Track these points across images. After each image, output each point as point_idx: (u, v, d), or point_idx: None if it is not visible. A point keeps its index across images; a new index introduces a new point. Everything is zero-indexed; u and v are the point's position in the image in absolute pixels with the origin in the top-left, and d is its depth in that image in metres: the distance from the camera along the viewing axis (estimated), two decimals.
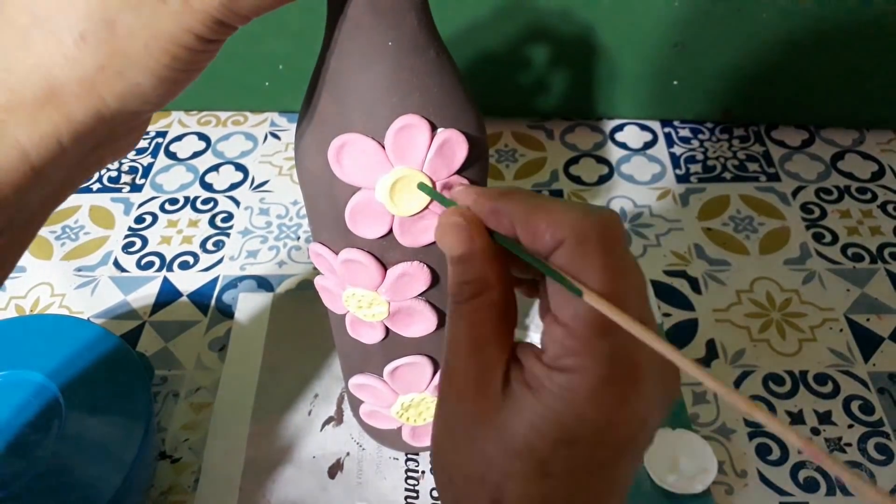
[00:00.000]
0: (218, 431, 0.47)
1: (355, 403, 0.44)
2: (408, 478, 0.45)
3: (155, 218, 0.63)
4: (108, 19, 0.21)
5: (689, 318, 0.53)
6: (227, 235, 0.61)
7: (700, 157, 0.67)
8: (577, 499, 0.22)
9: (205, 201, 0.65)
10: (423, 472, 0.45)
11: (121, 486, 0.39)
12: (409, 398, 0.40)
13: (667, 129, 0.70)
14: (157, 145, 0.71)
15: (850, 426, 0.47)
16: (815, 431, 0.46)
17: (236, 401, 0.49)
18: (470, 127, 0.30)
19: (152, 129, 0.73)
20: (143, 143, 0.71)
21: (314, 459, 0.46)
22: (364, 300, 0.34)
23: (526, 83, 0.68)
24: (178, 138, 0.72)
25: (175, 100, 0.24)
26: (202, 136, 0.72)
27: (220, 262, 0.59)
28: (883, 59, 0.62)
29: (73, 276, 0.59)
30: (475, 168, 0.31)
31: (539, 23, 0.63)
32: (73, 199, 0.65)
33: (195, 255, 0.60)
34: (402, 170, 0.29)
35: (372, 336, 0.37)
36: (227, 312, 0.55)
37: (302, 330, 0.53)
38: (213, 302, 0.56)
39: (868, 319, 0.53)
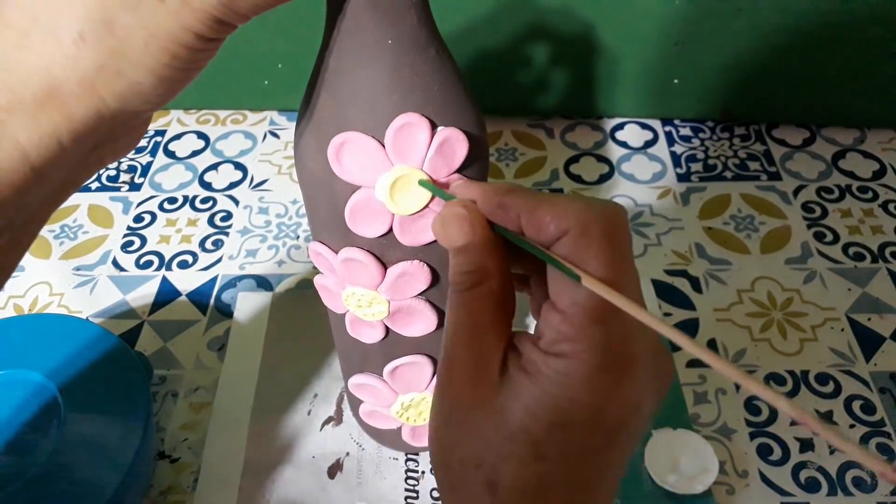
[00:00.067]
0: (217, 431, 0.47)
1: (355, 403, 0.43)
2: (408, 478, 0.45)
3: (154, 217, 0.63)
4: (107, 19, 0.21)
5: (690, 318, 0.53)
6: (227, 234, 0.61)
7: (701, 155, 0.66)
8: (571, 481, 0.23)
9: (204, 200, 0.65)
10: (422, 473, 0.45)
11: (119, 486, 0.39)
12: (409, 398, 0.40)
13: (667, 128, 0.69)
14: (156, 144, 0.71)
15: (852, 426, 0.46)
16: (833, 426, 0.46)
17: (235, 400, 0.49)
18: (470, 125, 0.29)
19: (151, 127, 0.73)
20: (141, 142, 0.71)
21: (314, 459, 0.46)
22: (364, 299, 0.34)
23: (526, 82, 0.67)
24: (177, 137, 0.72)
25: (174, 98, 0.24)
26: (201, 135, 0.72)
27: (219, 261, 0.59)
28: (884, 57, 0.62)
29: (72, 276, 0.58)
30: (475, 167, 0.31)
31: (539, 21, 0.63)
32: (71, 198, 0.64)
33: (194, 255, 0.60)
34: (403, 168, 0.29)
35: (372, 335, 0.36)
36: (226, 312, 0.55)
37: (301, 329, 0.53)
38: (212, 301, 0.56)
39: (869, 319, 0.53)
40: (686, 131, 0.69)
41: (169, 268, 0.59)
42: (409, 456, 0.46)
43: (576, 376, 0.21)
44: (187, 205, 0.64)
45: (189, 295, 0.56)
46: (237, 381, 0.50)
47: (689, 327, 0.52)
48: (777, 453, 0.45)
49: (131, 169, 0.68)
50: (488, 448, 0.23)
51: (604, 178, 0.65)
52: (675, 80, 0.66)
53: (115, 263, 0.59)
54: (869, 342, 0.51)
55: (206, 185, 0.66)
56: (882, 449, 0.45)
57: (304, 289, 0.56)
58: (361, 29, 0.27)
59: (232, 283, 0.57)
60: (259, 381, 0.50)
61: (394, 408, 0.40)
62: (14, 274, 0.60)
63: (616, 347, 0.22)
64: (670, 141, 0.68)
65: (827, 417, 0.47)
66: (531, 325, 0.51)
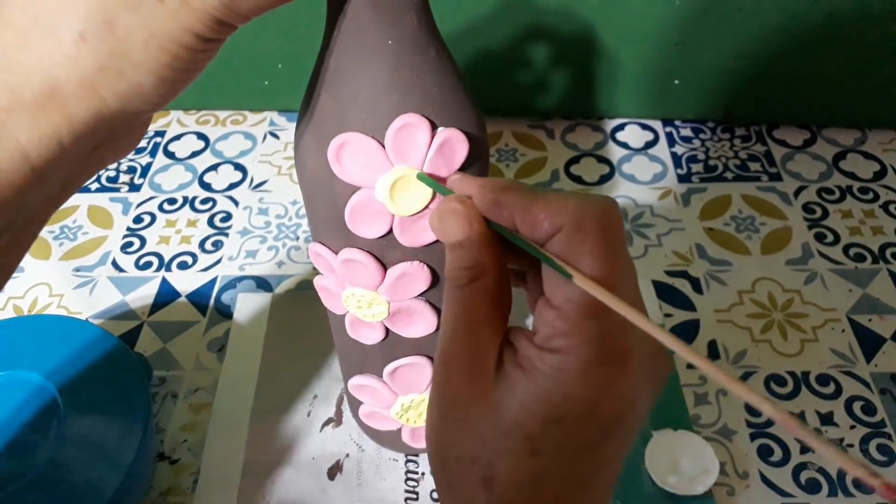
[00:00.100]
0: (217, 432, 0.47)
1: (355, 404, 0.43)
2: (407, 479, 0.44)
3: (153, 218, 0.63)
4: (108, 19, 0.21)
5: (691, 319, 0.53)
6: (226, 235, 0.61)
7: (701, 156, 0.66)
8: (566, 476, 0.23)
9: (203, 201, 0.65)
10: (422, 474, 0.45)
11: (119, 487, 0.39)
12: (409, 399, 0.39)
13: (668, 129, 0.69)
14: (156, 145, 0.71)
15: (853, 427, 0.46)
16: (817, 432, 0.46)
17: (235, 402, 0.49)
18: (470, 126, 0.29)
19: (151, 128, 0.73)
20: (141, 143, 0.71)
21: (313, 461, 0.46)
22: (364, 300, 0.34)
23: (526, 82, 0.67)
24: (177, 138, 0.72)
25: (175, 99, 0.24)
26: (201, 136, 0.72)
27: (218, 262, 0.59)
28: (885, 58, 0.62)
29: (72, 277, 0.58)
30: (476, 167, 0.31)
31: (540, 22, 0.63)
32: (71, 199, 0.64)
33: (194, 256, 0.60)
34: (403, 169, 0.29)
35: (371, 336, 0.36)
36: (225, 313, 0.55)
37: (301, 330, 0.53)
38: (211, 302, 0.56)
39: (870, 320, 0.52)
40: (687, 132, 0.69)
41: (168, 269, 0.59)
42: (409, 457, 0.46)
43: (570, 371, 0.22)
44: (187, 206, 0.64)
45: (189, 296, 0.56)
46: (237, 382, 0.50)
47: (690, 328, 0.52)
48: (778, 454, 0.45)
49: (131, 170, 0.68)
50: (484, 444, 0.23)
51: (604, 179, 0.65)
52: (676, 81, 0.66)
53: (115, 264, 0.59)
54: (870, 343, 0.51)
55: (206, 186, 0.66)
56: (882, 450, 0.45)
57: (304, 290, 0.56)
58: (362, 29, 0.27)
59: (232, 284, 0.57)
60: (259, 382, 0.50)
61: (394, 409, 0.40)
62: (14, 275, 0.59)
63: (610, 342, 0.22)
64: (671, 142, 0.68)
65: (827, 418, 0.47)
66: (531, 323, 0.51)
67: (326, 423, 0.48)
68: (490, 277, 0.24)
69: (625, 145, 0.68)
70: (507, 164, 0.67)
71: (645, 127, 0.70)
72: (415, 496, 0.44)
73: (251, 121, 0.73)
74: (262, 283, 0.57)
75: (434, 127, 0.28)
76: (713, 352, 0.51)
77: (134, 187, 0.66)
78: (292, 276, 0.57)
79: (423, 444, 0.43)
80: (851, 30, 0.60)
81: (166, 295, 0.56)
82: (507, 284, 0.25)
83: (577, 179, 0.65)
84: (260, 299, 0.55)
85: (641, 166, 0.66)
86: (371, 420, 0.42)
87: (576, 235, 0.22)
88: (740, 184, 0.63)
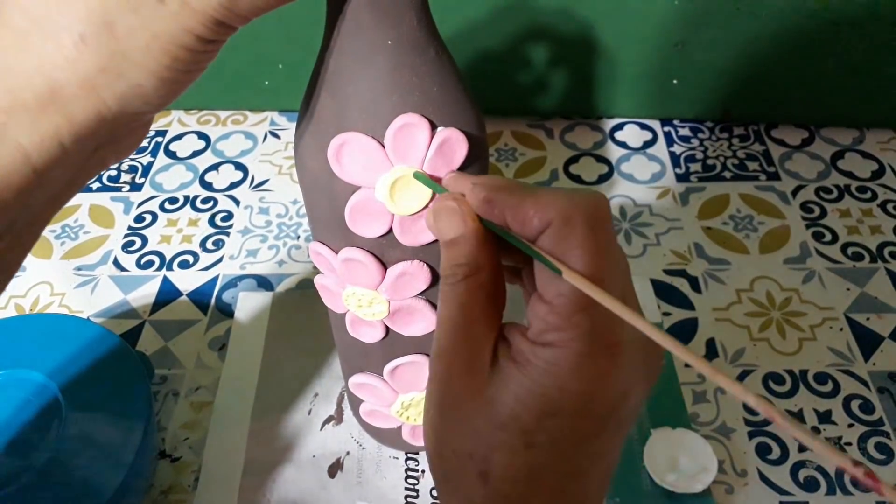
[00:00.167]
0: (218, 430, 0.47)
1: (355, 402, 0.44)
2: (408, 477, 0.45)
3: (155, 217, 0.63)
4: (108, 21, 0.21)
5: (689, 318, 0.53)
6: (227, 234, 0.61)
7: (700, 156, 0.67)
8: (562, 469, 0.23)
9: (204, 200, 0.65)
10: (423, 472, 0.45)
11: (120, 486, 0.39)
12: (410, 397, 0.40)
13: (666, 128, 0.70)
14: (157, 144, 0.71)
15: (851, 425, 0.47)
16: (816, 430, 0.46)
17: (236, 400, 0.49)
18: (470, 126, 0.30)
19: (152, 127, 0.73)
20: (142, 143, 0.71)
21: (314, 458, 0.46)
22: (364, 299, 0.34)
23: (526, 82, 0.68)
24: (178, 137, 0.72)
25: (176, 100, 0.24)
26: (202, 135, 0.72)
27: (219, 261, 0.59)
28: (883, 57, 0.62)
29: (73, 276, 0.59)
30: (475, 167, 0.31)
31: (539, 22, 0.63)
32: (72, 199, 0.65)
33: (195, 255, 0.60)
34: (402, 169, 0.29)
35: (372, 335, 0.37)
36: (226, 311, 0.55)
37: (302, 329, 0.53)
38: (212, 301, 0.56)
39: (868, 319, 0.53)
40: (685, 131, 0.69)
41: (170, 268, 0.59)
42: (410, 455, 0.46)
43: (564, 365, 0.22)
44: (188, 205, 0.64)
45: (190, 295, 0.57)
46: (238, 380, 0.50)
47: (689, 327, 0.52)
48: (776, 452, 0.45)
49: (132, 169, 0.69)
50: (480, 438, 0.23)
51: (603, 179, 0.65)
52: (675, 81, 0.66)
53: (116, 263, 0.59)
54: (868, 342, 0.51)
55: (207, 186, 0.66)
56: (881, 448, 0.45)
57: (305, 289, 0.56)
58: (361, 30, 0.27)
59: (233, 282, 0.57)
60: (259, 380, 0.50)
61: (394, 407, 0.40)
62: (15, 274, 0.60)
63: (602, 335, 0.22)
64: (669, 141, 0.68)
65: (825, 417, 0.47)
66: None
67: (327, 422, 0.48)
68: (485, 274, 0.24)
69: (623, 145, 0.68)
70: (507, 164, 0.67)
71: (643, 126, 0.70)
72: (415, 494, 0.44)
73: (252, 120, 0.73)
74: (263, 282, 0.57)
75: (434, 127, 0.28)
76: (711, 351, 0.51)
77: (135, 187, 0.67)
78: (293, 275, 0.58)
79: (423, 442, 0.43)
80: (849, 30, 0.60)
81: (167, 294, 0.57)
82: (501, 281, 0.25)
83: (577, 179, 0.65)
84: (261, 298, 0.56)
85: (640, 166, 0.66)
86: (371, 418, 0.43)
87: (564, 231, 0.22)
88: (738, 183, 0.64)
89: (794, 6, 0.59)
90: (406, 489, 0.44)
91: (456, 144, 0.29)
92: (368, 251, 0.32)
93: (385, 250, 0.32)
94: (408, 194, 0.29)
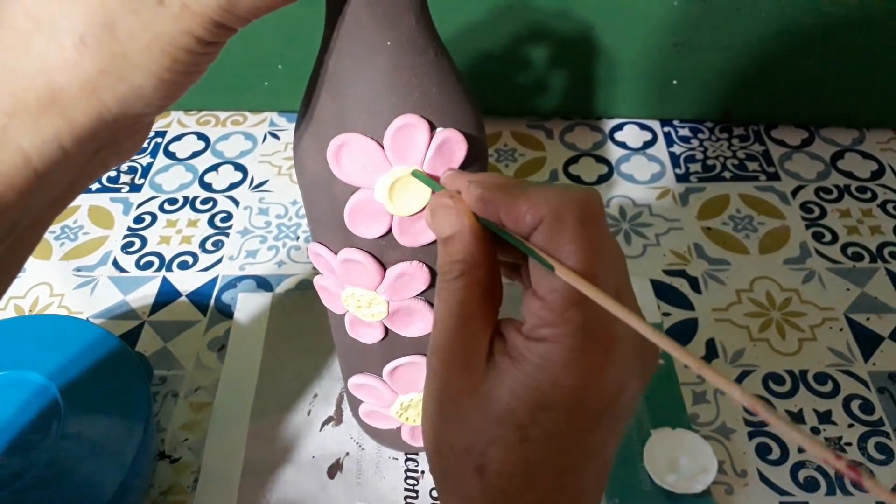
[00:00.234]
0: (217, 431, 0.47)
1: (355, 403, 0.44)
2: (407, 478, 0.45)
3: (154, 218, 0.63)
4: (108, 23, 0.21)
5: (689, 318, 0.53)
6: (227, 235, 0.61)
7: (700, 156, 0.67)
8: (557, 463, 0.23)
9: (204, 201, 0.65)
10: (422, 472, 0.45)
11: (120, 486, 0.39)
12: (409, 398, 0.40)
13: (666, 129, 0.70)
14: (157, 145, 0.71)
15: (851, 426, 0.47)
16: (816, 431, 0.46)
17: (236, 401, 0.49)
18: (469, 126, 0.30)
19: (151, 128, 0.73)
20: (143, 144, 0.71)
21: (313, 459, 0.46)
22: (363, 300, 0.34)
23: (525, 83, 0.68)
24: (178, 138, 0.72)
25: (176, 101, 0.24)
26: (201, 136, 0.72)
27: (219, 261, 0.59)
28: (883, 58, 0.62)
29: (73, 276, 0.59)
30: (474, 167, 0.31)
31: (538, 22, 0.63)
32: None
33: (194, 255, 0.60)
34: (402, 169, 0.29)
35: (371, 336, 0.37)
36: (226, 312, 0.55)
37: (301, 330, 0.53)
38: (212, 302, 0.56)
39: (868, 319, 0.53)
40: (685, 132, 0.69)
41: (169, 268, 0.59)
42: (409, 456, 0.46)
43: (557, 360, 0.22)
44: (187, 206, 0.64)
45: (189, 295, 0.57)
46: (237, 381, 0.50)
47: (688, 327, 0.52)
48: (776, 453, 0.45)
49: (132, 170, 0.69)
50: (477, 433, 0.23)
51: (603, 179, 0.65)
52: (674, 81, 0.66)
53: (116, 264, 0.59)
54: (867, 342, 0.51)
55: (207, 186, 0.66)
56: (880, 448, 0.45)
57: (304, 289, 0.56)
58: (360, 31, 0.27)
59: (232, 283, 0.57)
60: (259, 381, 0.50)
61: (393, 408, 0.40)
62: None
63: (595, 330, 0.22)
64: (669, 141, 0.68)
65: (825, 417, 0.47)
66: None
67: (326, 422, 0.48)
68: (481, 271, 0.25)
69: (623, 145, 0.68)
70: (507, 165, 0.67)
71: (643, 127, 0.70)
72: (414, 494, 0.44)
73: (251, 121, 0.73)
74: (263, 283, 0.57)
75: (433, 127, 0.28)
76: (711, 351, 0.51)
77: (135, 187, 0.67)
78: (292, 275, 0.58)
79: (422, 443, 0.43)
80: (849, 30, 0.60)
81: (167, 294, 0.57)
82: (497, 278, 0.25)
83: (576, 179, 0.65)
84: (260, 299, 0.56)
85: (640, 166, 0.66)
86: (371, 419, 0.43)
87: (555, 227, 0.22)
88: (738, 183, 0.64)
89: (794, 6, 0.59)
90: (405, 490, 0.44)
91: (455, 145, 0.29)
92: (368, 252, 0.32)
93: (384, 251, 0.32)
94: (407, 195, 0.29)
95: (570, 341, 0.22)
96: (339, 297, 0.35)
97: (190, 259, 0.59)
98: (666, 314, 0.53)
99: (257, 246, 0.60)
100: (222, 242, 0.61)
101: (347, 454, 0.46)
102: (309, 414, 0.48)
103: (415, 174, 0.29)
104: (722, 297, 0.54)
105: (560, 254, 0.22)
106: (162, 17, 0.21)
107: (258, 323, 0.54)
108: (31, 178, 0.23)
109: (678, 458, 0.44)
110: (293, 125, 0.71)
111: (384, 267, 0.33)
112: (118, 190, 0.66)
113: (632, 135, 0.69)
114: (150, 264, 0.59)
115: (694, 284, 0.55)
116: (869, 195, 0.62)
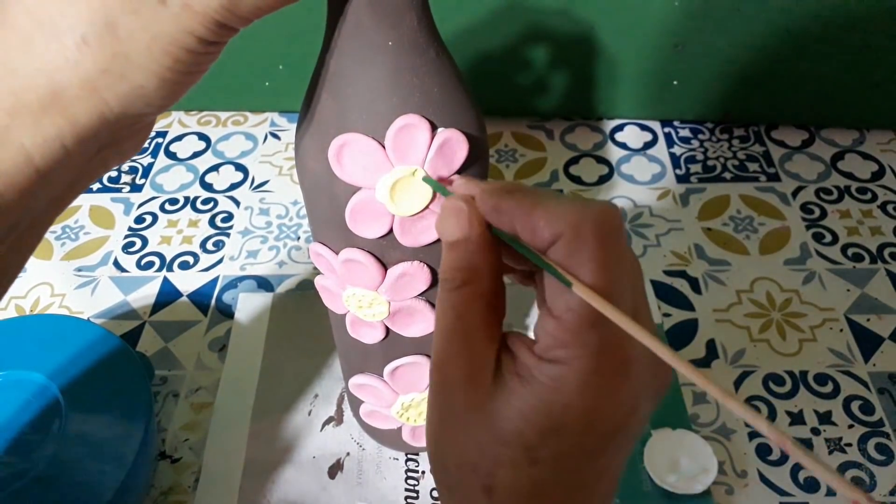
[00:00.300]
0: (218, 431, 0.47)
1: (355, 403, 0.44)
2: (408, 478, 0.45)
3: (155, 218, 0.64)
4: (110, 22, 0.21)
5: (689, 319, 0.53)
6: (227, 235, 0.61)
7: (700, 157, 0.67)
8: (566, 485, 0.23)
9: (205, 201, 0.65)
10: (423, 472, 0.45)
11: (121, 486, 0.39)
12: (410, 398, 0.40)
13: (667, 129, 0.70)
14: (157, 145, 0.71)
15: (851, 426, 0.47)
16: (816, 432, 0.46)
17: (236, 401, 0.49)
18: (470, 127, 0.30)
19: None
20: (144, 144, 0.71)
21: (314, 459, 0.46)
22: (364, 300, 0.34)
23: (526, 83, 0.68)
24: (178, 138, 0.72)
25: (178, 101, 0.24)
26: (202, 136, 0.72)
27: (220, 262, 0.59)
28: (883, 58, 0.62)
29: (73, 276, 0.59)
30: (475, 168, 0.31)
31: (539, 23, 0.63)
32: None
33: (195, 256, 0.60)
34: (403, 169, 0.29)
35: (372, 336, 0.37)
36: (227, 312, 0.55)
37: (302, 330, 0.53)
38: (213, 302, 0.56)
39: (868, 319, 0.53)
40: (685, 133, 0.69)
41: (170, 269, 0.59)
42: (410, 456, 0.46)
43: (570, 382, 0.21)
44: (188, 206, 0.64)
45: (190, 296, 0.57)
46: (238, 381, 0.50)
47: (689, 328, 0.52)
48: (776, 453, 0.45)
49: (132, 170, 0.69)
50: (483, 452, 0.23)
51: (603, 180, 0.65)
52: (675, 82, 0.66)
53: (117, 264, 0.59)
54: (868, 343, 0.51)
55: (207, 187, 0.66)
56: (881, 449, 0.45)
57: (305, 289, 0.56)
58: (362, 31, 0.27)
59: (233, 283, 0.57)
60: (260, 381, 0.50)
61: (394, 408, 0.40)
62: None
63: (611, 352, 0.22)
64: (669, 142, 0.68)
65: (826, 418, 0.47)
66: (532, 325, 0.51)
67: (327, 422, 0.48)
68: (484, 283, 0.24)
69: (624, 146, 0.68)
70: (507, 165, 0.67)
71: (644, 127, 0.70)
72: (415, 494, 0.44)
73: (252, 121, 0.73)
74: (264, 283, 0.57)
75: (434, 128, 0.29)
76: (711, 351, 0.51)
77: (135, 188, 0.67)
78: (293, 275, 0.58)
79: (423, 443, 0.43)
80: (849, 30, 0.60)
81: (168, 295, 0.57)
82: (501, 291, 0.25)
83: (577, 180, 0.65)
84: (261, 299, 0.56)
85: (640, 167, 0.66)
86: (372, 419, 0.43)
87: (574, 243, 0.22)
88: (739, 184, 0.64)
89: (794, 7, 0.59)
90: (406, 490, 0.44)
91: (456, 145, 0.29)
92: (369, 252, 0.32)
93: (385, 251, 0.32)
94: (408, 195, 0.29)
95: (585, 364, 0.21)
96: (340, 297, 0.35)
97: (191, 259, 0.59)
98: (666, 315, 0.53)
99: (258, 246, 0.60)
100: (223, 242, 0.61)
101: (348, 454, 0.46)
102: (310, 414, 0.48)
103: (425, 180, 0.29)
104: (722, 297, 0.54)
105: (577, 272, 0.21)
106: (163, 17, 0.21)
107: (259, 323, 0.54)
108: (32, 177, 0.23)
109: (678, 459, 0.44)
110: (294, 125, 0.71)
111: (385, 267, 0.33)
112: (119, 190, 0.66)
113: (632, 135, 0.69)
114: (150, 264, 0.59)
115: (694, 285, 0.55)
116: (869, 196, 0.62)
